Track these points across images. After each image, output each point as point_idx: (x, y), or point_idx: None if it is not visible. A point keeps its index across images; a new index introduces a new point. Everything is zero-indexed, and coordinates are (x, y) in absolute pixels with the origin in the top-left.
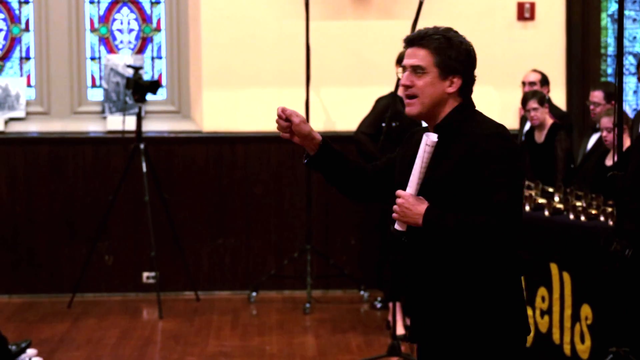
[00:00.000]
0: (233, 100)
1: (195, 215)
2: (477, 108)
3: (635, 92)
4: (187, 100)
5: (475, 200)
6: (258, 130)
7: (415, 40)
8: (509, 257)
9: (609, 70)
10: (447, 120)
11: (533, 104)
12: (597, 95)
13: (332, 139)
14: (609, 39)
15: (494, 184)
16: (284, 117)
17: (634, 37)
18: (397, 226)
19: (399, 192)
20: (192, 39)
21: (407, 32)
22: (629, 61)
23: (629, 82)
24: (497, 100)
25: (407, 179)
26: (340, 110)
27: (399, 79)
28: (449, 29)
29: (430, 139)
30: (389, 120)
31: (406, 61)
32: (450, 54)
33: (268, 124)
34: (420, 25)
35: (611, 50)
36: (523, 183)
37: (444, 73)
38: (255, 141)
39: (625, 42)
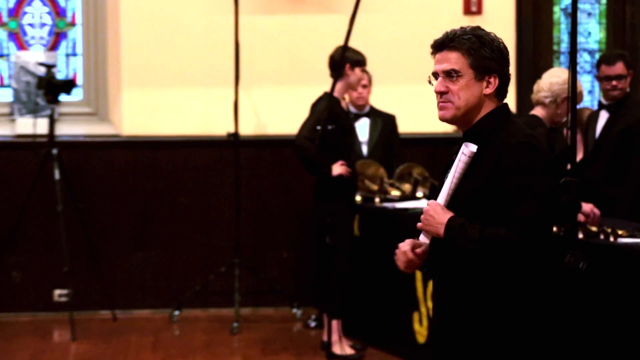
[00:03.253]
0: (155, 101)
1: (113, 227)
2: (512, 114)
3: (590, 91)
4: (104, 102)
5: (499, 214)
6: (183, 134)
7: (444, 43)
8: (533, 274)
9: (563, 68)
10: (479, 126)
11: None
12: None
13: (264, 144)
14: (562, 35)
15: (518, 197)
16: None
17: (589, 33)
18: (421, 238)
19: (429, 201)
20: (110, 34)
21: (344, 27)
22: (584, 58)
23: (584, 81)
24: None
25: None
26: (272, 112)
27: (334, 82)
28: (477, 28)
29: (469, 149)
30: (325, 123)
31: (437, 67)
32: (484, 52)
33: (193, 127)
34: (360, 21)
35: (564, 46)
36: (553, 197)
37: (480, 74)
38: (179, 146)
39: (580, 38)
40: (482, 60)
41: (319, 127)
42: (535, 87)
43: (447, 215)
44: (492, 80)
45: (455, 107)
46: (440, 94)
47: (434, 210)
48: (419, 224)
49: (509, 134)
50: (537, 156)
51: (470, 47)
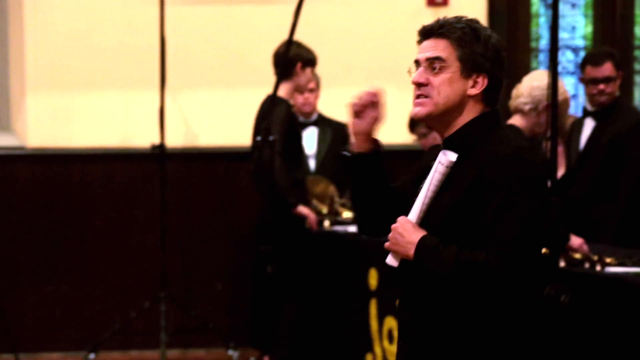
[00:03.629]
0: (66, 107)
1: (17, 255)
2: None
3: (573, 95)
4: (6, 108)
5: (480, 235)
6: (99, 146)
7: (433, 29)
8: (514, 307)
9: (541, 68)
10: (462, 133)
11: (422, 129)
12: None
13: (194, 157)
14: (542, 30)
15: (501, 216)
16: (366, 103)
17: (573, 27)
18: (389, 260)
19: (400, 217)
20: (12, 28)
21: (288, 19)
22: (567, 57)
23: (566, 84)
24: (402, 104)
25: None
26: (204, 120)
27: (278, 81)
28: (474, 20)
29: (447, 158)
30: (265, 133)
31: (421, 55)
32: (476, 47)
33: (112, 138)
34: (307, 13)
35: (544, 43)
36: (544, 218)
37: (467, 70)
38: (95, 160)
39: (562, 34)
40: (473, 55)
41: (258, 138)
42: (514, 92)
43: (419, 234)
44: (479, 80)
45: (433, 103)
46: (418, 85)
47: (404, 227)
48: (387, 244)
49: (496, 144)
50: (528, 171)
51: (462, 37)
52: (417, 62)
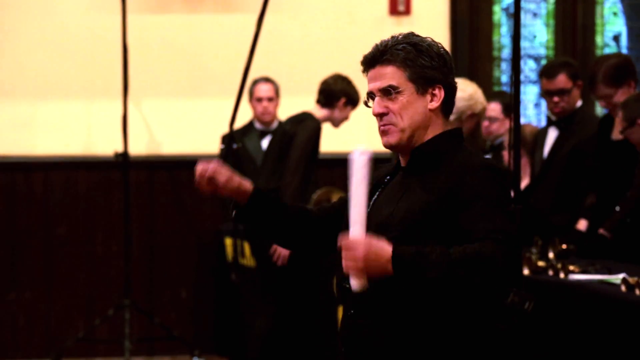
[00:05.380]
0: (28, 115)
1: None
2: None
3: (536, 104)
4: None
5: (460, 236)
6: (61, 154)
7: (376, 58)
8: (489, 316)
9: (504, 78)
10: (431, 146)
11: None
12: (493, 109)
13: (157, 165)
14: (504, 39)
15: (488, 212)
16: (206, 180)
17: (535, 36)
18: (355, 286)
19: (347, 241)
20: None
21: (250, 28)
22: (529, 66)
23: (528, 93)
24: (363, 116)
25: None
26: (167, 127)
27: (241, 88)
28: (410, 34)
29: (359, 156)
30: (229, 141)
31: (372, 85)
32: (423, 61)
33: (74, 146)
34: (270, 21)
35: (506, 52)
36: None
37: (422, 86)
38: (58, 168)
39: (524, 43)
40: (422, 71)
41: (222, 147)
42: None
43: (386, 247)
44: (436, 92)
45: (400, 130)
46: (379, 116)
47: (372, 249)
48: (346, 267)
49: (467, 157)
50: (503, 178)
51: (406, 57)
52: (371, 94)
